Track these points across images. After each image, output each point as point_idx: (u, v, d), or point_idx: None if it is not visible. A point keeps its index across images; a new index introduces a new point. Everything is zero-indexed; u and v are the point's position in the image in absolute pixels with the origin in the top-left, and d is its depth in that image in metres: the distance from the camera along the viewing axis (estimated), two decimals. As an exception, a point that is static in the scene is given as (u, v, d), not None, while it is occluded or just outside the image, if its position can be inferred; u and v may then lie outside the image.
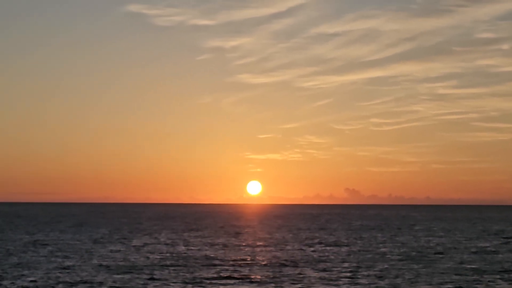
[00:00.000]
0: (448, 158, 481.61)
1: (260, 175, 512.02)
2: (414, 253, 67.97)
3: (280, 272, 51.15)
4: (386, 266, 55.47)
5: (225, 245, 77.79)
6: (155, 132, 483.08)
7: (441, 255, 66.45)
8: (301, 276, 48.93)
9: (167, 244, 79.80)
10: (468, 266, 56.21)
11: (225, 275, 48.98)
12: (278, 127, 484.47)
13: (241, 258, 62.27)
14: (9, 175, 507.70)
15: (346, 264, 56.91)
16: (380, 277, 48.44)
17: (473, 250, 74.33)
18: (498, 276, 50.04)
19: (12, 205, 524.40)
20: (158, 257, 62.77)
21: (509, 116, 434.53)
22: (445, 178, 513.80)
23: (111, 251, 68.80)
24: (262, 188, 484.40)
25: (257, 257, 62.81)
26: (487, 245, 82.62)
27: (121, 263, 56.68)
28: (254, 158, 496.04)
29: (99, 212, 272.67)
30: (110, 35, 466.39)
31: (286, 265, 55.89)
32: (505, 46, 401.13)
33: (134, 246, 76.31)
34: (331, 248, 75.12)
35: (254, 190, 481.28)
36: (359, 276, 49.02)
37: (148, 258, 61.74)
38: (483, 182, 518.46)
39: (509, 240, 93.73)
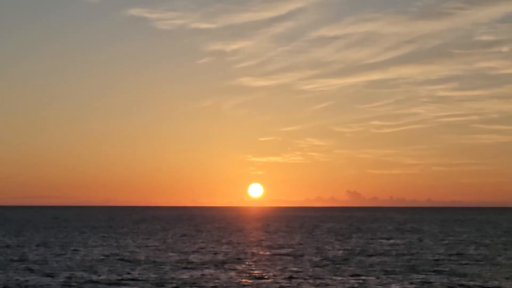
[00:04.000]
0: (448, 160, 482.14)
1: (262, 178, 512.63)
2: (327, 256, 66.73)
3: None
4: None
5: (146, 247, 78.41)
6: (156, 135, 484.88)
7: (348, 259, 64.50)
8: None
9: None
10: (370, 269, 54.32)
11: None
12: (279, 130, 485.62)
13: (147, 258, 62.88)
14: (9, 178, 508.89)
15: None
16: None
17: (386, 249, 74.71)
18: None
19: (6, 208, 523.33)
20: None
21: (510, 118, 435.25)
22: (446, 180, 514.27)
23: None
24: (263, 190, 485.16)
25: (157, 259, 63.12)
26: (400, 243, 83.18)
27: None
28: (255, 161, 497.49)
29: (76, 215, 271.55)
30: (111, 38, 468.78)
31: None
32: (505, 49, 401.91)
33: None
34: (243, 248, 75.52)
35: (255, 193, 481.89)
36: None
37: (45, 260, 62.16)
38: (484, 184, 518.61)
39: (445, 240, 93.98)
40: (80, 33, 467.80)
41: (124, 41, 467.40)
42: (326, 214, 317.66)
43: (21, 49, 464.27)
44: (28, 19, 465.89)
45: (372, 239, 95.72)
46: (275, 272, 51.07)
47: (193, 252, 69.99)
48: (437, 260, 62.14)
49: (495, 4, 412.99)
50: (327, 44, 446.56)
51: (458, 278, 48.29)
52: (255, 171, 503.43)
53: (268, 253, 69.53)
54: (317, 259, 62.47)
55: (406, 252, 70.41)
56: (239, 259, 62.24)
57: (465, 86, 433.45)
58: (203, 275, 49.42)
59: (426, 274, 50.43)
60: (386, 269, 53.68)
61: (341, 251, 71.60)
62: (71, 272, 50.81)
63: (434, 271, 52.38)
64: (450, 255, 67.99)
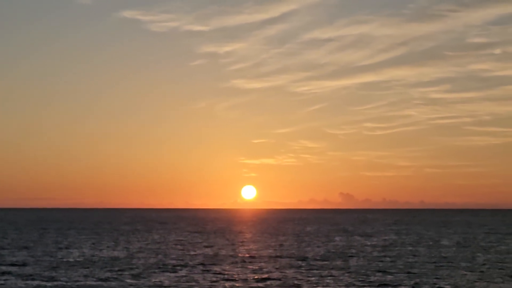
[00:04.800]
0: (441, 162, 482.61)
1: (255, 180, 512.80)
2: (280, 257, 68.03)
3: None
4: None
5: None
6: (149, 137, 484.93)
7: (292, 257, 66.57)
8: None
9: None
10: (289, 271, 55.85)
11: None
12: (272, 132, 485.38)
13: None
14: (3, 180, 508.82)
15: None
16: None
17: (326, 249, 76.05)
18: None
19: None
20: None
21: (502, 120, 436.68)
22: (439, 182, 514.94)
23: None
24: (256, 192, 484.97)
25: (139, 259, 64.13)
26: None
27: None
28: (248, 163, 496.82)
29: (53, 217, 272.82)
30: (105, 41, 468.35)
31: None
32: (497, 51, 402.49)
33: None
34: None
35: (248, 195, 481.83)
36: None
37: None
38: (477, 186, 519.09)
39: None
40: (73, 35, 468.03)
41: (117, 43, 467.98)
42: (314, 216, 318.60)
43: (15, 51, 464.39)
44: (21, 21, 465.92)
45: (352, 240, 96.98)
46: (246, 275, 52.17)
47: (168, 254, 70.98)
48: (408, 262, 63.32)
49: (487, 6, 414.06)
50: (320, 46, 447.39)
51: (422, 279, 49.49)
52: (248, 173, 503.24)
53: (246, 255, 70.56)
54: (291, 260, 63.65)
55: (377, 254, 71.67)
56: (214, 261, 63.42)
57: (458, 88, 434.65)
58: (177, 277, 50.63)
59: (393, 276, 51.68)
60: (351, 270, 54.91)
61: (320, 252, 72.81)
62: (45, 274, 51.93)
63: (405, 273, 53.62)
64: (417, 256, 69.23)
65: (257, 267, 57.23)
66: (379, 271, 54.24)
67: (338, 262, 61.73)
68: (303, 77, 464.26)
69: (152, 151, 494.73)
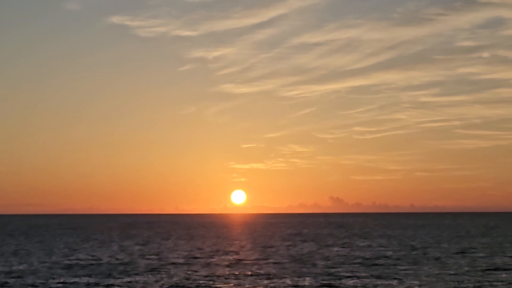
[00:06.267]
0: (431, 165, 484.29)
1: (244, 185, 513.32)
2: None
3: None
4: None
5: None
6: (139, 142, 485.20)
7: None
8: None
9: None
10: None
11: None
12: (262, 137, 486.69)
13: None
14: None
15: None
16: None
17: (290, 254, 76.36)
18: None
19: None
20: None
21: (491, 124, 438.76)
22: (429, 186, 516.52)
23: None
24: (246, 197, 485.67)
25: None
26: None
27: None
28: (238, 167, 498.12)
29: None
30: (93, 46, 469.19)
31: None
32: (485, 54, 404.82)
33: None
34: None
35: (238, 200, 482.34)
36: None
37: None
38: (467, 189, 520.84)
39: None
40: (62, 41, 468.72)
41: (105, 49, 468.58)
42: (301, 220, 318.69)
43: (3, 56, 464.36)
44: (9, 26, 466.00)
45: (323, 245, 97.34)
46: (199, 277, 52.52)
47: (138, 257, 71.26)
48: (380, 264, 63.73)
49: (475, 10, 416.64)
50: (309, 51, 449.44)
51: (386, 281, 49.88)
52: (238, 178, 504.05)
53: (210, 259, 70.87)
54: (256, 264, 64.05)
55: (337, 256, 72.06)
56: (177, 263, 63.77)
57: (447, 91, 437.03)
58: (135, 281, 50.95)
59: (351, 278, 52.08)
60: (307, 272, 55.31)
61: (286, 257, 73.16)
62: (15, 279, 52.14)
63: (371, 276, 54.07)
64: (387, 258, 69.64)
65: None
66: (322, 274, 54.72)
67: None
68: (292, 81, 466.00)
69: (141, 156, 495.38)
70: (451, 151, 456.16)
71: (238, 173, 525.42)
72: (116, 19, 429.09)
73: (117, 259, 70.74)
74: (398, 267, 60.51)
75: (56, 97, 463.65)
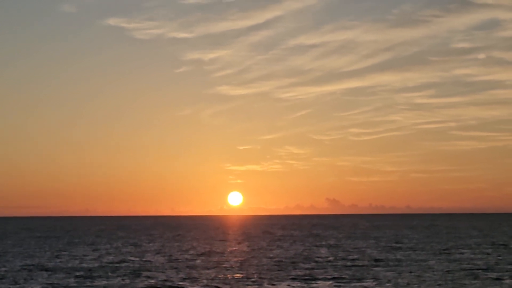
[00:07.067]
0: (427, 167, 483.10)
1: (241, 186, 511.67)
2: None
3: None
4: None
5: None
6: (135, 144, 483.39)
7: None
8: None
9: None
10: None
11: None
12: (258, 138, 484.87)
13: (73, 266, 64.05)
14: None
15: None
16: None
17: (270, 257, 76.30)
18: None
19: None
20: None
21: (487, 125, 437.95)
22: (425, 187, 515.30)
23: None
24: (243, 199, 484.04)
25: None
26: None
27: None
28: (234, 169, 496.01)
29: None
30: (89, 48, 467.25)
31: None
32: (481, 56, 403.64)
33: None
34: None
35: (235, 201, 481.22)
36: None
37: None
38: (463, 191, 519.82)
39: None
40: (58, 43, 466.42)
41: (102, 51, 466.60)
42: (296, 222, 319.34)
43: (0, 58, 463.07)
44: (5, 29, 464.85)
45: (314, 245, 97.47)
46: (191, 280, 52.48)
47: (121, 260, 71.26)
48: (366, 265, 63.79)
49: (471, 11, 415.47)
50: (305, 52, 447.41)
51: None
52: (234, 179, 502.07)
53: (193, 262, 70.90)
54: (244, 265, 64.02)
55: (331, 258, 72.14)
56: (165, 266, 63.67)
57: (443, 93, 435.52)
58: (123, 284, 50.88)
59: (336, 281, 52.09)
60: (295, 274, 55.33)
61: (276, 258, 73.21)
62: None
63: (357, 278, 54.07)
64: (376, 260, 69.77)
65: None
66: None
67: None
68: (288, 83, 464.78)
69: (137, 158, 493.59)
70: (447, 152, 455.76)
71: (235, 174, 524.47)
72: (112, 21, 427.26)
73: (101, 261, 70.69)
74: (378, 268, 60.55)
75: (52, 99, 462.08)
